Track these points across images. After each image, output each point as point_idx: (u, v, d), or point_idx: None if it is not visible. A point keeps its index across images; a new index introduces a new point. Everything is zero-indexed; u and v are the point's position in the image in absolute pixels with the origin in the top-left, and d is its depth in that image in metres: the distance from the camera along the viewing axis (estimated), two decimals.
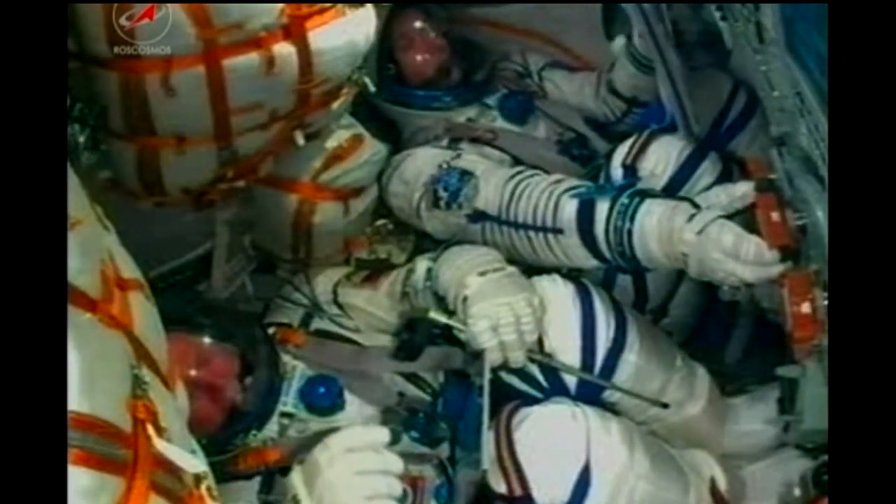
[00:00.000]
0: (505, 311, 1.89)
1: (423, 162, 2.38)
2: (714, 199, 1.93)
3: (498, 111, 2.61)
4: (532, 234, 2.06)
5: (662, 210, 1.86)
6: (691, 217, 1.81)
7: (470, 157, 2.36)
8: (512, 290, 1.92)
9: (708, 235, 1.76)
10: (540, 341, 1.95)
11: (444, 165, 2.31)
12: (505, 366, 1.94)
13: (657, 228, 1.85)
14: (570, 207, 1.99)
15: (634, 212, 1.89)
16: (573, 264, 2.06)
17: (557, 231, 2.01)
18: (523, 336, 1.90)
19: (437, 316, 1.98)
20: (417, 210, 2.32)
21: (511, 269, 2.00)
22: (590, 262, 2.02)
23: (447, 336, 2.16)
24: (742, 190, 1.87)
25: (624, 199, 1.92)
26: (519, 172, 2.19)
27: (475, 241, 2.18)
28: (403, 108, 2.60)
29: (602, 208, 1.94)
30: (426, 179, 2.30)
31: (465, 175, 2.24)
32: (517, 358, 1.92)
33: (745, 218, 1.81)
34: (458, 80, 2.62)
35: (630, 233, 1.89)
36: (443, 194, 2.24)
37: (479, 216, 2.17)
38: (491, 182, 2.18)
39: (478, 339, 1.90)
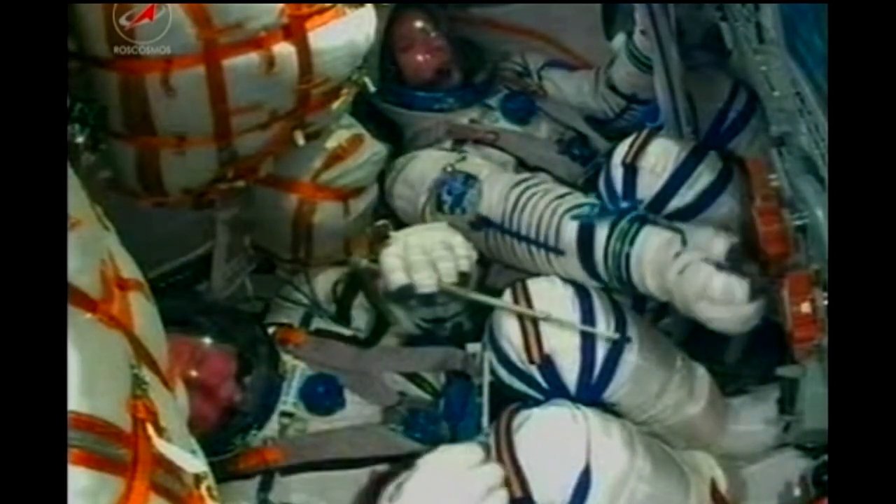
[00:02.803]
0: (414, 241, 1.98)
1: (427, 165, 2.38)
2: (703, 239, 1.94)
3: (500, 112, 2.62)
4: (534, 248, 2.10)
5: (660, 241, 1.92)
6: (677, 255, 1.87)
7: (474, 161, 2.37)
8: (428, 232, 2.02)
9: (686, 276, 1.84)
10: (539, 343, 1.95)
11: (449, 169, 2.31)
12: (412, 291, 1.94)
13: (653, 260, 1.91)
14: (570, 230, 2.03)
15: (633, 238, 1.95)
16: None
17: (559, 252, 2.06)
18: (434, 263, 1.93)
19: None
20: (422, 214, 2.32)
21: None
22: (590, 283, 2.05)
23: (450, 337, 2.16)
24: (719, 249, 1.89)
25: (623, 225, 1.97)
26: (524, 180, 2.20)
27: (479, 245, 2.19)
28: (405, 110, 2.60)
29: (601, 233, 1.98)
30: (430, 184, 2.31)
31: (470, 179, 2.25)
32: (423, 279, 1.92)
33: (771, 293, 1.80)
34: (460, 82, 2.62)
35: (628, 258, 1.95)
36: (447, 198, 2.25)
37: (482, 223, 2.18)
38: (495, 188, 2.19)
39: (384, 265, 1.95)
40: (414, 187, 2.36)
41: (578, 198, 2.13)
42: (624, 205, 2.08)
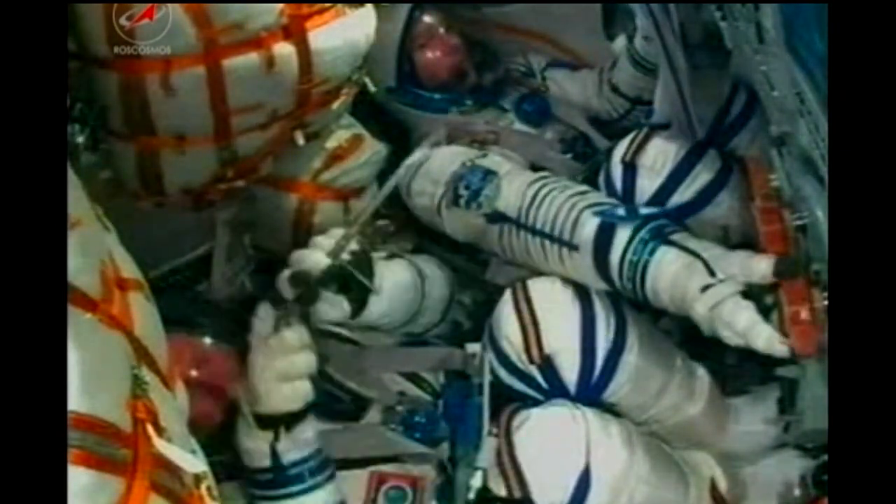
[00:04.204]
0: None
1: (449, 159, 2.35)
2: (733, 267, 1.82)
3: (514, 114, 2.61)
4: (547, 243, 2.03)
5: (679, 265, 1.83)
6: (706, 287, 1.77)
7: (495, 158, 2.34)
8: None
9: (720, 313, 1.73)
10: (539, 343, 1.94)
11: (468, 163, 2.26)
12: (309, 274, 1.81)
13: (671, 284, 1.83)
14: (589, 226, 1.96)
15: (652, 252, 1.87)
16: (581, 281, 2.02)
17: (572, 247, 1.98)
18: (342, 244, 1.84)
19: None
20: (438, 208, 2.27)
21: None
22: (598, 285, 1.99)
23: (449, 338, 2.16)
24: (762, 270, 1.76)
25: (644, 235, 1.89)
26: (543, 177, 2.17)
27: (492, 243, 2.16)
28: (421, 112, 2.59)
29: (622, 237, 1.90)
30: (448, 177, 2.26)
31: (489, 174, 2.19)
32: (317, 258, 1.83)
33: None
34: (476, 83, 2.61)
35: (644, 271, 1.87)
36: (463, 192, 2.19)
37: (497, 217, 2.12)
38: (514, 184, 2.14)
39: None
40: (437, 182, 2.29)
41: (601, 197, 2.10)
42: (645, 211, 2.04)
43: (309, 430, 1.81)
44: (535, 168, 2.44)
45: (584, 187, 2.13)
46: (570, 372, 1.95)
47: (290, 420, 1.78)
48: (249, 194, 2.23)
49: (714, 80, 2.39)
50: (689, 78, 2.14)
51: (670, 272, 1.84)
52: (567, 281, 2.02)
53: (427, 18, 2.57)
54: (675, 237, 1.92)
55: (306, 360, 1.79)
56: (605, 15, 2.67)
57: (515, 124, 2.60)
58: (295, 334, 1.77)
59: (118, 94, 1.76)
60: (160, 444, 1.06)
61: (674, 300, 1.84)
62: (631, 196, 2.19)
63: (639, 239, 1.89)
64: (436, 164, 2.35)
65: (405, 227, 2.48)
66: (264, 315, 1.81)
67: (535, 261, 2.08)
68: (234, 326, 2.03)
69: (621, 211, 1.99)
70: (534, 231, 2.06)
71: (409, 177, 2.37)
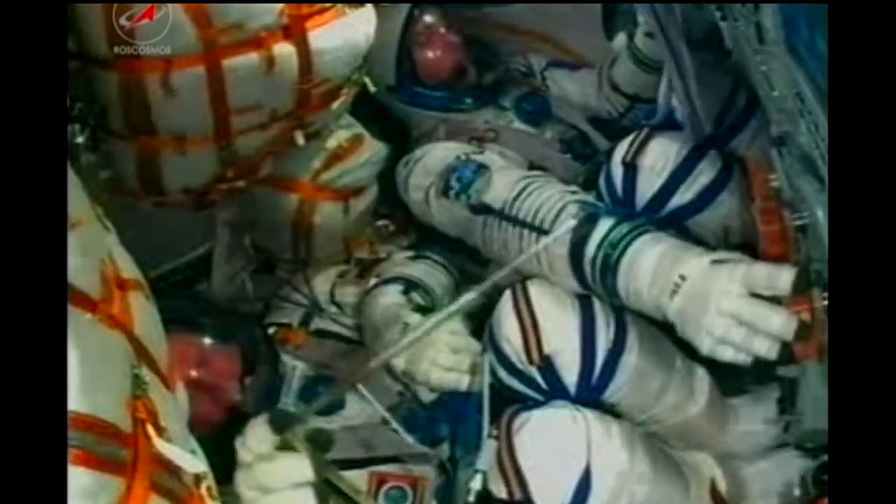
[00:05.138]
0: None
1: (446, 153, 2.35)
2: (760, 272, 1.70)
3: (514, 113, 2.62)
4: (525, 233, 2.01)
5: (673, 243, 1.78)
6: (712, 251, 1.75)
7: (492, 156, 2.34)
8: None
9: (719, 270, 1.64)
10: (539, 344, 1.94)
11: (463, 157, 2.26)
12: None
13: (659, 255, 1.75)
14: (571, 217, 1.95)
15: (636, 236, 1.82)
16: (551, 278, 1.99)
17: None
18: None
19: None
20: (427, 198, 2.28)
21: None
22: (568, 282, 1.95)
23: None
24: (783, 283, 1.61)
25: (624, 227, 1.84)
26: (536, 175, 2.17)
27: (475, 235, 2.16)
28: (422, 110, 2.59)
29: (604, 225, 1.87)
30: (441, 169, 2.27)
31: (482, 168, 2.20)
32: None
33: None
34: (476, 81, 2.62)
35: (621, 256, 1.80)
36: (454, 184, 2.19)
37: (482, 208, 2.12)
38: (504, 178, 2.14)
39: None
40: (432, 175, 2.30)
41: (591, 197, 2.10)
42: (643, 212, 2.04)
43: None
44: (533, 167, 2.45)
45: (574, 187, 2.13)
46: (569, 372, 1.95)
47: None
48: (249, 194, 2.23)
49: (714, 79, 2.40)
50: (696, 76, 2.13)
51: (660, 247, 1.77)
52: None
53: (427, 17, 2.58)
54: (666, 232, 1.90)
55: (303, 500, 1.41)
56: (605, 15, 2.67)
57: (515, 123, 2.60)
58: (295, 463, 1.41)
59: (118, 94, 1.76)
60: (160, 444, 1.06)
61: (658, 270, 1.73)
62: (631, 197, 2.19)
63: (621, 227, 1.84)
64: (433, 159, 2.35)
65: (406, 227, 2.49)
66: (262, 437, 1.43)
67: (510, 251, 2.04)
68: (234, 326, 2.04)
69: (609, 208, 2.00)
70: (515, 221, 2.04)
71: (408, 172, 2.37)
